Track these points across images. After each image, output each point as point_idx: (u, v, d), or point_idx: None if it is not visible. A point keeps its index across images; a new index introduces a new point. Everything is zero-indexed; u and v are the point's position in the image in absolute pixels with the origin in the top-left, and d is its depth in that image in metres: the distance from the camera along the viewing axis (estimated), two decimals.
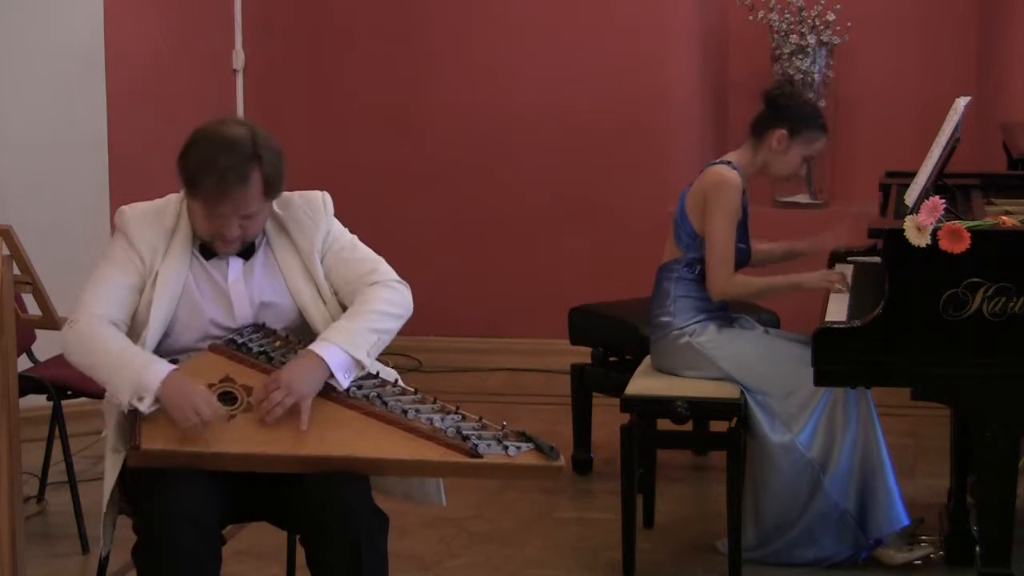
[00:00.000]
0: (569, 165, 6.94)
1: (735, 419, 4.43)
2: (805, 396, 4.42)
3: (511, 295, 7.02)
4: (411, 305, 3.61)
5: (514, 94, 6.96)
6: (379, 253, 3.69)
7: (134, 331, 3.50)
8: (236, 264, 3.56)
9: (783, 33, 6.68)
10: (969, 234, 3.81)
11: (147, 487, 3.32)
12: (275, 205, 3.57)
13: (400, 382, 3.59)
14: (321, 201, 3.63)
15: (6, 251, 4.16)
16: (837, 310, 4.29)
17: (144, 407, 3.34)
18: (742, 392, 4.45)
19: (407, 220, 7.05)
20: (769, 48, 6.75)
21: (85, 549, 4.71)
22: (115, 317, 3.47)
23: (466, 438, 3.39)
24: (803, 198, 6.86)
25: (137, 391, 3.34)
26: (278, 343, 3.53)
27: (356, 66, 7.09)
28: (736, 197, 4.50)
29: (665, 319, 4.58)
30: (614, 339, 5.36)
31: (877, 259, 4.37)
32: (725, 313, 4.64)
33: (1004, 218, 3.95)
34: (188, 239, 3.54)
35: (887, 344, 3.90)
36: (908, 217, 3.86)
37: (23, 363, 4.61)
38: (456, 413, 3.48)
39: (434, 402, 3.50)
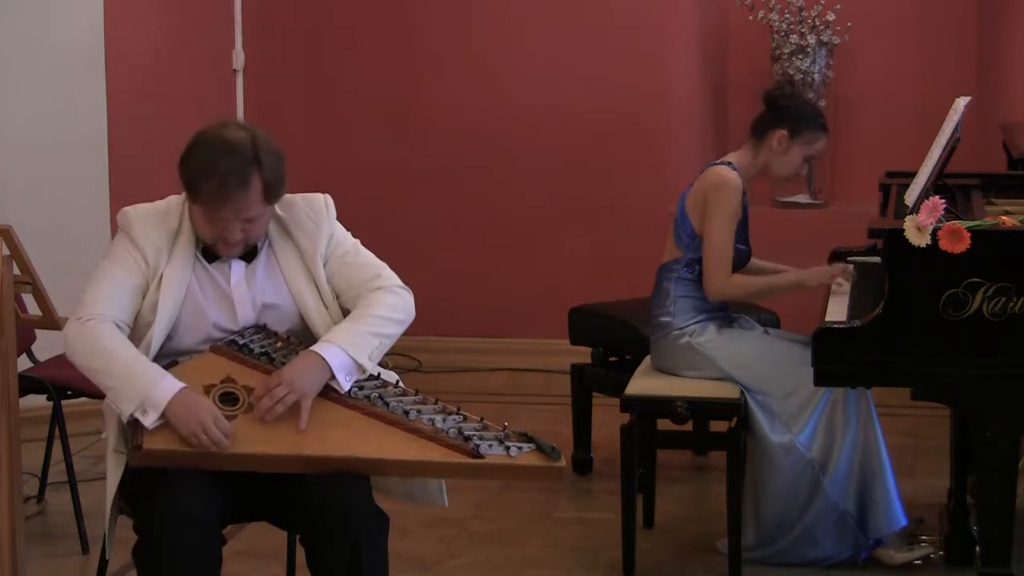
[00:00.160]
0: (569, 165, 6.94)
1: (735, 419, 4.43)
2: (805, 396, 4.42)
3: (511, 295, 7.02)
4: (413, 311, 3.62)
5: (514, 94, 6.96)
6: (379, 253, 3.70)
7: (137, 333, 3.50)
8: (238, 267, 3.56)
9: (783, 33, 6.68)
10: (969, 234, 3.81)
11: (148, 487, 3.32)
12: (277, 207, 3.57)
13: (401, 384, 3.59)
14: (323, 204, 3.63)
15: (6, 251, 4.16)
16: (837, 310, 4.29)
17: (148, 422, 3.33)
18: (742, 392, 4.45)
19: (407, 220, 7.05)
20: (769, 48, 6.75)
21: (85, 549, 4.71)
22: (118, 318, 3.46)
23: (468, 439, 3.39)
24: (803, 198, 6.86)
25: (142, 405, 3.34)
26: (279, 344, 3.53)
27: (356, 66, 7.09)
28: (736, 198, 4.50)
29: (665, 319, 4.58)
30: (614, 339, 5.36)
31: (877, 259, 4.37)
32: (725, 313, 4.64)
33: (1004, 218, 3.95)
34: (191, 242, 3.54)
35: (887, 344, 3.90)
36: (908, 217, 3.86)
37: (23, 363, 4.62)
38: (458, 414, 3.48)
39: (435, 403, 3.50)
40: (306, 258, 3.59)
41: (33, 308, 4.56)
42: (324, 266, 3.59)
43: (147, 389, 3.34)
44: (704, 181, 4.56)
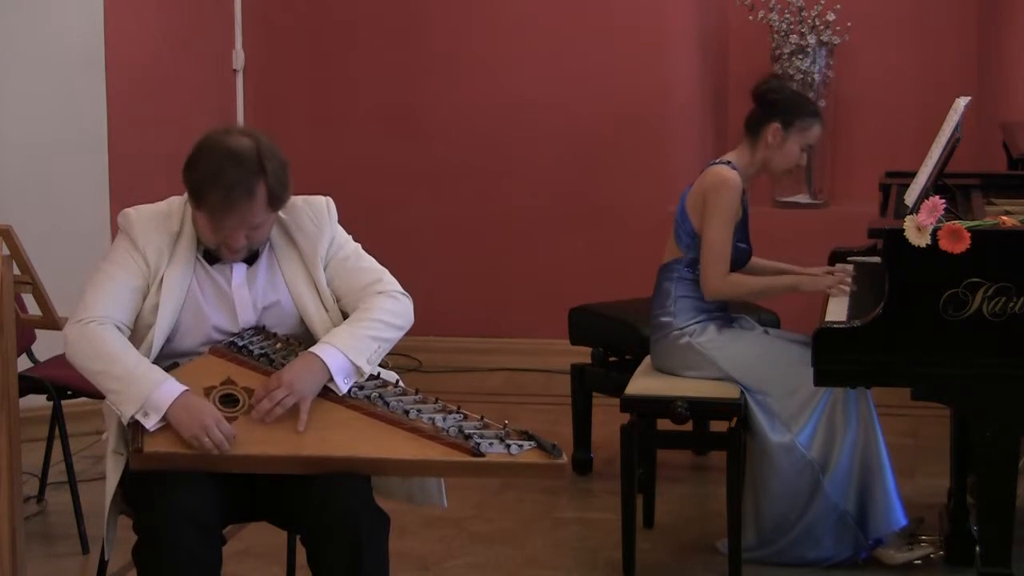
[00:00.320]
0: (569, 165, 6.94)
1: (735, 419, 4.43)
2: (805, 396, 4.42)
3: (511, 295, 7.02)
4: (412, 317, 3.62)
5: (514, 94, 6.96)
6: (379, 253, 3.70)
7: (137, 334, 3.50)
8: (240, 269, 3.56)
9: (783, 33, 6.68)
10: (969, 234, 3.81)
11: (148, 487, 3.32)
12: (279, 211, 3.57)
13: (401, 383, 3.59)
14: (325, 207, 3.63)
15: (6, 251, 4.16)
16: (837, 310, 4.29)
17: (150, 424, 3.33)
18: (742, 392, 4.45)
19: (407, 220, 7.05)
20: (769, 48, 6.75)
21: (85, 549, 4.71)
22: (119, 320, 3.46)
23: (468, 437, 3.39)
24: (803, 198, 6.86)
25: (144, 408, 3.34)
26: (279, 345, 3.53)
27: (356, 66, 7.09)
28: (735, 197, 4.50)
29: (665, 319, 4.58)
30: (614, 339, 5.36)
31: (877, 259, 4.37)
32: (725, 314, 4.64)
33: (1004, 218, 3.94)
34: (192, 244, 3.53)
35: (887, 344, 3.90)
36: (908, 217, 3.86)
37: (23, 363, 4.62)
38: (458, 412, 3.48)
39: (435, 402, 3.50)
40: (307, 261, 3.59)
41: (33, 308, 4.56)
42: (325, 269, 3.59)
43: (149, 392, 3.34)
44: (704, 181, 4.56)
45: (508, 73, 6.96)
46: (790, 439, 4.43)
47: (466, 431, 3.41)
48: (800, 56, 6.65)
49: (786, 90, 4.70)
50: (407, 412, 3.44)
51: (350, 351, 3.45)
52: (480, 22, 6.98)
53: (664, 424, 4.55)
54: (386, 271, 3.64)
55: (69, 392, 4.74)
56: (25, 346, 4.92)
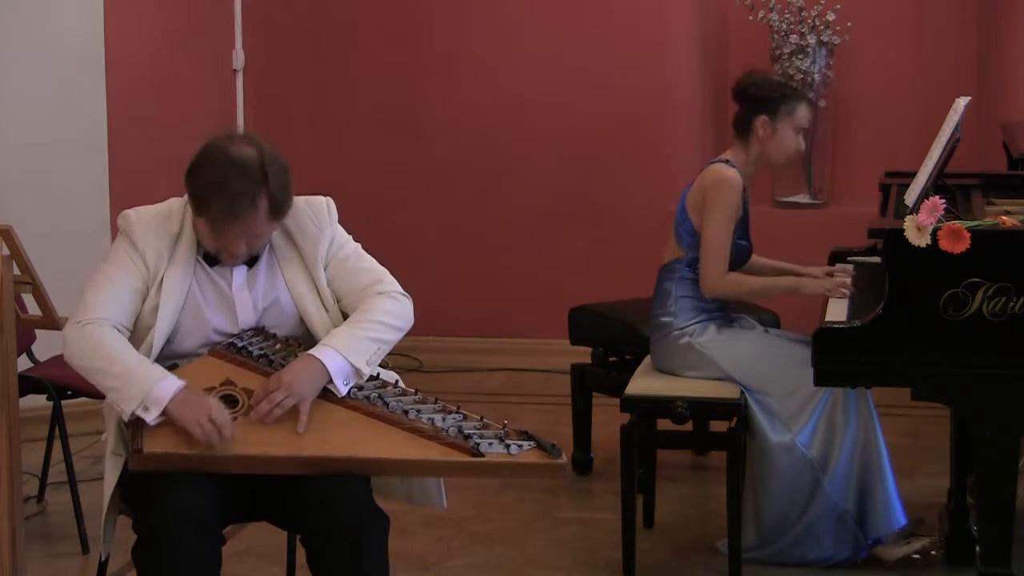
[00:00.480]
0: (569, 165, 6.94)
1: (735, 419, 4.43)
2: (805, 396, 4.42)
3: (511, 295, 7.02)
4: (412, 318, 3.62)
5: (514, 94, 6.96)
6: (379, 252, 3.70)
7: (137, 336, 3.50)
8: (240, 271, 3.55)
9: (783, 33, 6.68)
10: (969, 234, 3.81)
11: (148, 487, 3.32)
12: None
13: (400, 383, 3.59)
14: (325, 207, 3.63)
15: (6, 251, 4.16)
16: (837, 310, 4.29)
17: (150, 418, 3.33)
18: (742, 392, 4.45)
19: (407, 220, 7.05)
20: (769, 48, 6.75)
21: (85, 549, 4.71)
22: (118, 322, 3.46)
23: (468, 437, 3.39)
24: (803, 198, 6.86)
25: (144, 403, 3.33)
26: (278, 346, 3.53)
27: (356, 66, 7.09)
28: (735, 196, 4.50)
29: (666, 319, 4.58)
30: (614, 339, 5.36)
31: (877, 259, 4.37)
32: (725, 314, 4.64)
33: (1004, 218, 3.95)
34: (192, 246, 3.53)
35: (887, 344, 3.90)
36: (908, 217, 3.86)
37: (23, 363, 4.62)
38: (457, 413, 3.48)
39: (435, 402, 3.50)
40: (307, 261, 3.58)
41: (33, 308, 4.56)
42: (325, 269, 3.59)
43: (149, 388, 3.34)
44: (704, 179, 4.56)
45: (508, 73, 6.97)
46: (790, 439, 4.43)
47: (465, 431, 3.41)
48: (800, 56, 6.65)
49: (763, 81, 4.68)
50: (406, 412, 3.44)
51: (349, 353, 3.45)
52: (480, 22, 6.98)
53: (664, 424, 4.55)
54: (386, 272, 3.64)
55: (69, 392, 4.74)
56: (25, 346, 4.92)
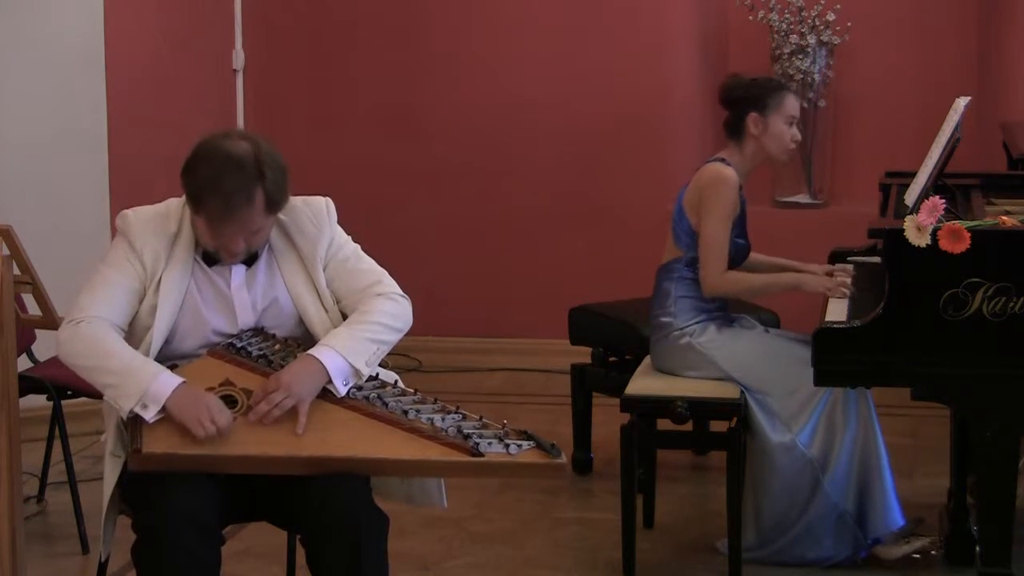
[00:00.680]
0: (569, 165, 6.94)
1: (735, 419, 4.43)
2: (805, 396, 4.42)
3: (511, 295, 7.02)
4: (411, 320, 3.62)
5: (514, 94, 6.96)
6: (379, 253, 3.70)
7: (135, 337, 3.49)
8: (239, 271, 3.55)
9: (783, 33, 6.68)
10: (969, 234, 3.81)
11: (147, 487, 3.32)
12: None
13: (400, 383, 3.59)
14: (324, 208, 3.63)
15: (6, 251, 4.16)
16: (837, 310, 4.29)
17: (149, 415, 3.33)
18: (742, 392, 4.45)
19: (407, 220, 7.05)
20: (769, 48, 6.75)
21: (85, 549, 4.71)
22: (115, 322, 3.45)
23: (467, 437, 3.39)
24: (803, 198, 6.86)
25: (142, 399, 3.33)
26: (277, 347, 3.53)
27: (356, 66, 7.09)
28: (732, 194, 4.50)
29: (665, 319, 4.58)
30: (614, 339, 5.36)
31: (877, 259, 4.37)
32: (725, 313, 4.64)
33: (1004, 218, 3.95)
34: (190, 245, 3.53)
35: (887, 344, 3.90)
36: (908, 217, 3.86)
37: (23, 363, 4.61)
38: (457, 413, 3.48)
39: (434, 402, 3.50)
40: (306, 262, 3.58)
41: (33, 308, 4.56)
42: (324, 270, 3.59)
43: (147, 384, 3.34)
44: (701, 178, 4.56)
45: (508, 73, 6.96)
46: (790, 439, 4.43)
47: (465, 431, 3.41)
48: (800, 56, 6.65)
49: (745, 81, 4.68)
50: (406, 412, 3.44)
51: (349, 353, 3.45)
52: (480, 22, 6.98)
53: (664, 424, 4.55)
54: (385, 272, 3.64)
55: (69, 392, 4.74)
56: (25, 346, 4.92)
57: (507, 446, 3.39)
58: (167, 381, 3.35)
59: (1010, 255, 3.83)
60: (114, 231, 3.60)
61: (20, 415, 3.75)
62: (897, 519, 4.43)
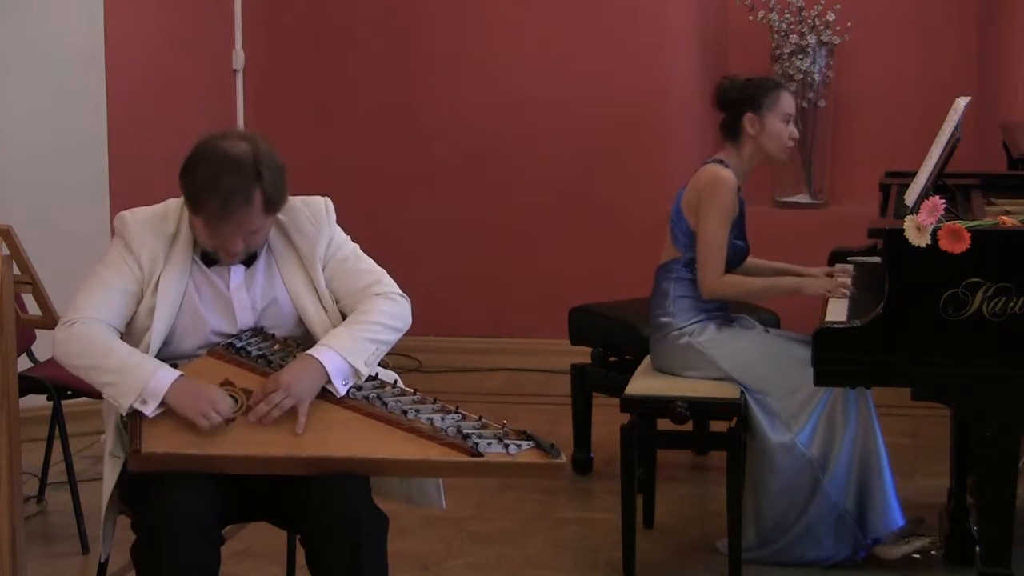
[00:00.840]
0: (569, 165, 6.94)
1: (735, 419, 4.43)
2: (805, 396, 4.42)
3: (511, 295, 7.02)
4: (410, 319, 3.62)
5: (514, 94, 6.96)
6: (379, 252, 3.70)
7: (134, 337, 3.49)
8: (238, 271, 3.55)
9: (783, 33, 6.68)
10: (969, 234, 3.81)
11: (147, 487, 3.32)
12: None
13: (399, 383, 3.59)
14: (323, 208, 3.62)
15: (6, 251, 4.16)
16: (837, 310, 4.29)
17: (149, 411, 3.33)
18: (742, 392, 4.45)
19: (407, 220, 7.05)
20: (769, 48, 6.75)
21: (85, 549, 4.71)
22: (110, 322, 3.45)
23: (467, 437, 3.39)
24: (803, 198, 6.86)
25: (141, 395, 3.33)
26: (277, 347, 3.53)
27: (356, 66, 7.09)
28: (731, 195, 4.50)
29: (665, 319, 4.58)
30: (614, 339, 5.36)
31: (877, 259, 4.37)
32: (725, 313, 4.64)
33: (1004, 218, 3.95)
34: (188, 246, 3.53)
35: (887, 344, 3.90)
36: (908, 217, 3.86)
37: (23, 363, 4.61)
38: (456, 413, 3.48)
39: (434, 402, 3.50)
40: (305, 262, 3.58)
41: (33, 308, 4.56)
42: (323, 270, 3.59)
43: (145, 379, 3.34)
44: (699, 179, 4.56)
45: (508, 73, 6.96)
46: (790, 439, 4.43)
47: (464, 431, 3.41)
48: (800, 56, 6.65)
49: (739, 82, 4.69)
50: (405, 412, 3.44)
51: (348, 353, 3.45)
52: (480, 22, 6.98)
53: (664, 424, 4.55)
54: (384, 272, 3.64)
55: (69, 392, 4.74)
56: (25, 346, 4.92)
57: (507, 446, 3.39)
58: (165, 376, 3.36)
59: (1010, 255, 3.83)
60: (113, 235, 3.60)
61: (20, 415, 3.75)
62: (897, 519, 4.43)
